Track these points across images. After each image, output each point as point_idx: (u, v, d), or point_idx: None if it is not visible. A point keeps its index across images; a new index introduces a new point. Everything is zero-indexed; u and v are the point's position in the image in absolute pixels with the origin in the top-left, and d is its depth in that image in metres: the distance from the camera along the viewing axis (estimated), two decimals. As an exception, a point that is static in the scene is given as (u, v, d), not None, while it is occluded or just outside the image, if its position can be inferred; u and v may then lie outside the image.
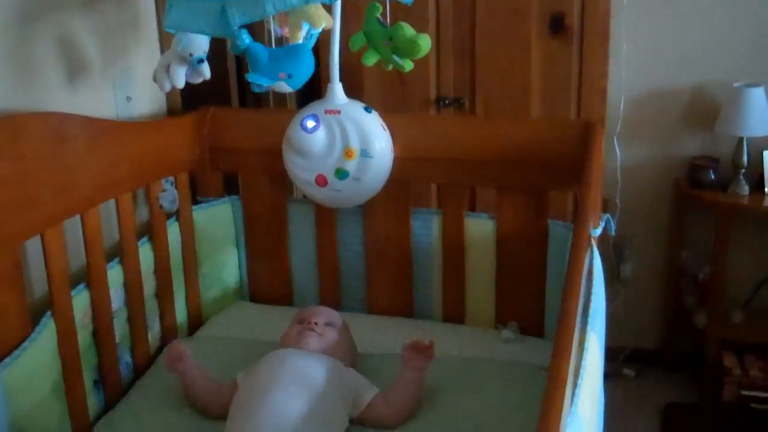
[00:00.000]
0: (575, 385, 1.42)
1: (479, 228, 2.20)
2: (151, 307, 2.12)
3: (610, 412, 3.07)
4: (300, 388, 1.75)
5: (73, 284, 1.84)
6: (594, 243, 1.95)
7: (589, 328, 1.60)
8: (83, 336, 1.84)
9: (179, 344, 1.91)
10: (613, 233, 2.13)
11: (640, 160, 3.10)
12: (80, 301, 1.83)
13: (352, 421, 1.82)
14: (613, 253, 3.22)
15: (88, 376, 1.87)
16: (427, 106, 2.88)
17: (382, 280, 2.29)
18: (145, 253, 2.08)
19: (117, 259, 1.98)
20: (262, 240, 2.36)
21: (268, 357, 1.85)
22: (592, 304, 1.69)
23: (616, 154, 3.03)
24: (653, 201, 3.17)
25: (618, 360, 3.34)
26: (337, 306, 2.33)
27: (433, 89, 2.87)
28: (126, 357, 2.02)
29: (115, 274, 1.96)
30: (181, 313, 2.24)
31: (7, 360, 1.57)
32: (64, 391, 1.77)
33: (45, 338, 1.69)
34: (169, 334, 2.19)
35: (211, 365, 2.05)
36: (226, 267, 2.37)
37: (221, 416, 1.81)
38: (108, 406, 1.94)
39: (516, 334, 2.15)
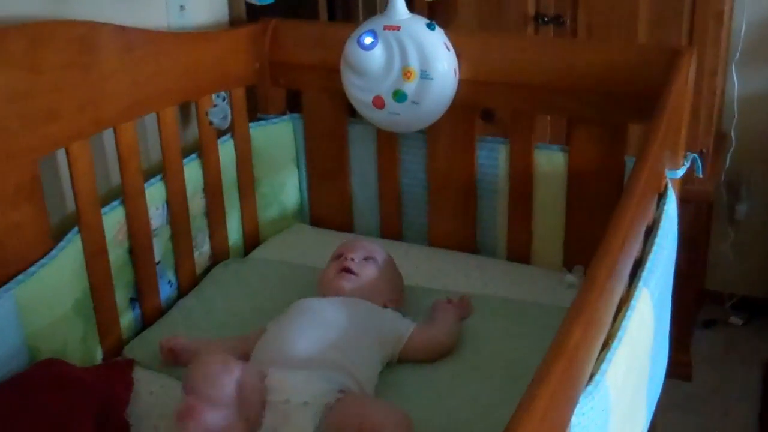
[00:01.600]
0: (606, 348, 1.26)
1: (549, 161, 2.00)
2: (200, 226, 2.06)
3: (711, 361, 2.87)
4: (324, 332, 1.65)
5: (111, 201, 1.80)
6: (671, 186, 1.74)
7: (641, 283, 1.42)
8: (117, 253, 1.80)
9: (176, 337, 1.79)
10: (700, 174, 1.89)
11: (762, 91, 2.77)
12: (113, 217, 1.78)
13: (399, 360, 1.73)
14: (726, 191, 2.94)
15: (122, 294, 1.84)
16: (525, 23, 2.66)
17: (444, 211, 2.14)
18: (194, 170, 2.01)
19: (159, 176, 1.92)
20: (323, 161, 2.25)
21: (293, 307, 1.76)
22: (651, 256, 1.50)
23: (733, 83, 2.72)
24: (773, 136, 2.85)
25: (724, 307, 3.09)
26: (397, 236, 2.21)
27: (532, 5, 2.64)
28: (169, 275, 1.98)
29: (156, 192, 1.90)
30: (235, 234, 2.18)
31: (20, 277, 1.54)
32: (93, 309, 1.74)
33: (67, 255, 1.65)
34: (220, 254, 2.13)
35: (260, 288, 2.00)
36: (286, 187, 2.28)
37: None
38: (146, 323, 1.91)
39: (580, 280, 1.97)
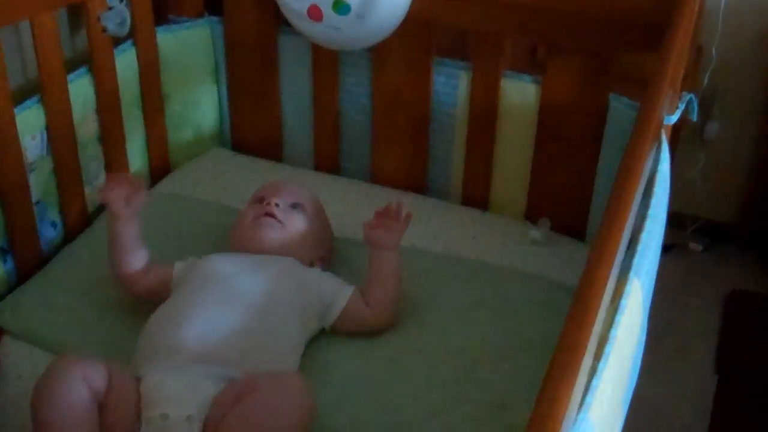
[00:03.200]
0: (600, 356, 0.97)
1: (518, 93, 1.66)
2: (92, 154, 1.69)
3: (667, 291, 2.63)
4: (229, 311, 1.33)
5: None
6: (664, 136, 1.42)
7: (632, 272, 1.12)
8: (-22, 195, 1.45)
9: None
10: (695, 118, 1.57)
11: (750, 3, 2.44)
12: (-30, 152, 1.42)
13: (328, 331, 1.43)
14: (699, 109, 2.63)
15: (-12, 244, 1.49)
16: None
17: (391, 144, 1.80)
18: (83, 87, 1.63)
19: (35, 98, 1.53)
20: (248, 75, 1.88)
21: (197, 270, 1.43)
22: (644, 235, 1.20)
23: (719, -6, 2.38)
24: (757, 52, 2.53)
25: (686, 231, 2.83)
26: (334, 169, 1.87)
27: None
28: (51, 216, 1.63)
29: (31, 117, 1.52)
30: (138, 161, 1.82)
31: None
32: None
33: None
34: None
35: (163, 234, 1.66)
36: (202, 105, 1.90)
37: (138, 295, 1.45)
38: (22, 279, 1.57)
39: (546, 236, 1.67)
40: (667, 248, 2.77)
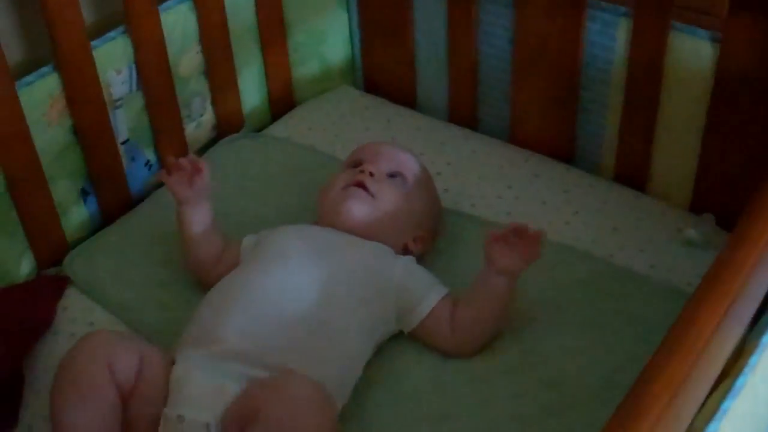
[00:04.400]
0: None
1: (692, 51, 1.30)
2: (196, 89, 1.53)
3: None
4: (295, 293, 1.14)
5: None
6: None
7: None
8: (51, 135, 1.33)
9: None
10: None
11: None
12: (41, 89, 1.29)
13: (406, 335, 1.21)
14: None
15: (65, 186, 1.38)
16: None
17: (533, 102, 1.50)
18: (181, 15, 1.46)
19: (120, 29, 1.39)
20: (381, 8, 1.62)
21: (272, 241, 1.24)
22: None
23: None
24: None
25: None
26: (470, 122, 1.60)
27: None
28: (146, 154, 1.50)
29: (114, 50, 1.38)
30: (253, 97, 1.64)
31: None
32: (12, 207, 1.30)
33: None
34: (229, 124, 1.61)
35: (264, 184, 1.50)
36: (329, 38, 1.68)
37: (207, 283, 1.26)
38: (107, 222, 1.46)
39: (704, 237, 1.32)
40: None
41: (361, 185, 1.25)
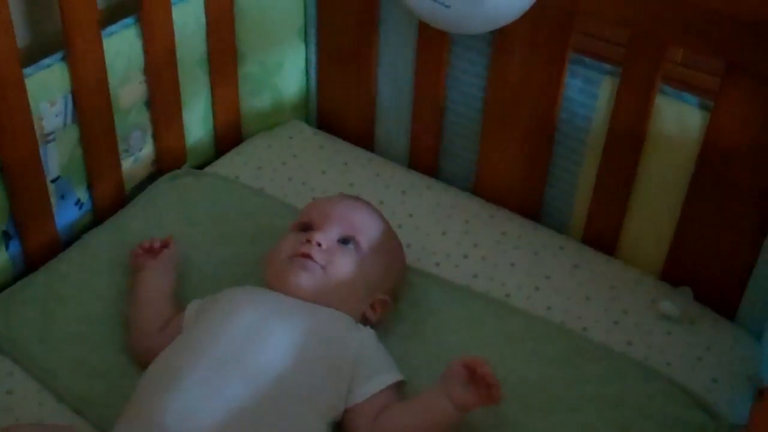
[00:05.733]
0: None
1: (678, 117, 1.23)
2: (136, 121, 1.39)
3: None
4: (240, 370, 1.02)
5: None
6: None
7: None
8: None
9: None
10: None
11: None
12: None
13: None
14: None
15: (-14, 227, 1.24)
16: None
17: (503, 153, 1.41)
18: (126, 41, 1.31)
19: (57, 56, 1.24)
20: (343, 38, 1.51)
21: (219, 306, 1.12)
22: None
23: None
24: None
25: None
26: (431, 170, 1.51)
27: None
28: (77, 193, 1.35)
29: (49, 79, 1.23)
30: (197, 130, 1.50)
31: None
32: None
33: None
34: (170, 159, 1.47)
35: (205, 230, 1.37)
36: (284, 68, 1.55)
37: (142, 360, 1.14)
38: (30, 267, 1.31)
39: (681, 312, 1.25)
40: None
41: (307, 258, 1.14)
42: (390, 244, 1.24)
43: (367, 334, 1.13)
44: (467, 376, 1.02)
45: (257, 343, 1.05)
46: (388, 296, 1.20)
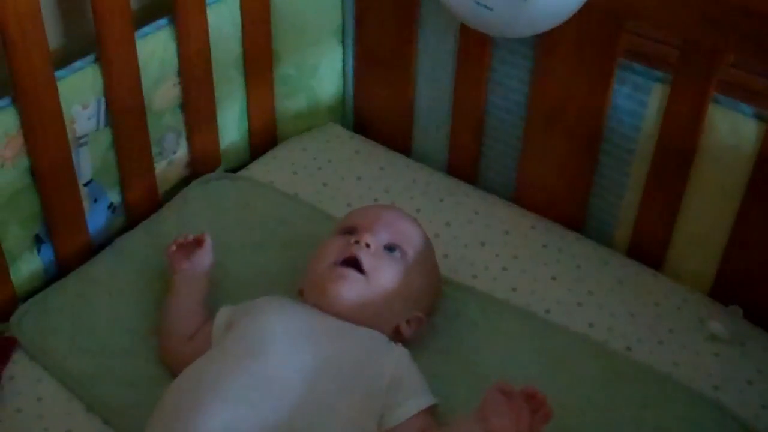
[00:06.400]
0: None
1: (732, 127, 1.17)
2: (170, 124, 1.37)
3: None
4: (270, 392, 0.98)
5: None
6: None
7: None
8: (8, 174, 1.16)
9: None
10: None
11: None
12: (-5, 124, 1.12)
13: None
14: None
15: (18, 232, 1.21)
16: None
17: (545, 162, 1.36)
18: (160, 43, 1.29)
19: (90, 58, 1.21)
20: (381, 41, 1.47)
21: (248, 323, 1.08)
22: None
23: None
24: None
25: None
26: (470, 177, 1.47)
27: None
28: (110, 196, 1.33)
29: (82, 82, 1.21)
30: (232, 133, 1.48)
31: None
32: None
33: None
34: (204, 162, 1.45)
35: (237, 237, 1.34)
36: (320, 70, 1.52)
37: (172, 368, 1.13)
38: (63, 271, 1.29)
39: (730, 333, 1.20)
40: None
41: (354, 260, 1.11)
42: (431, 258, 1.20)
43: (401, 353, 1.08)
44: (504, 403, 0.96)
45: (291, 367, 1.01)
46: (424, 313, 1.16)
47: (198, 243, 1.21)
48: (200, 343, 1.11)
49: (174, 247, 1.21)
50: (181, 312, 1.16)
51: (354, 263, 1.10)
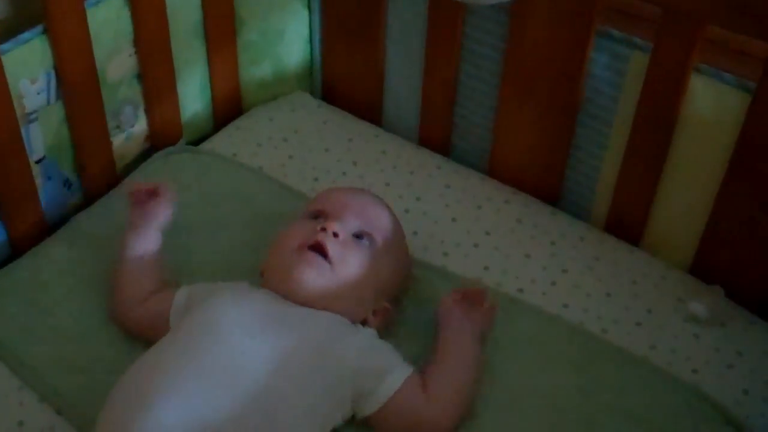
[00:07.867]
0: None
1: (714, 98, 1.12)
2: (128, 95, 1.30)
3: None
4: (230, 379, 0.94)
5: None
6: None
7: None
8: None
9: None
10: None
11: None
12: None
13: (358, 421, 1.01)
14: None
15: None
16: None
17: (520, 132, 1.31)
18: (112, 12, 1.22)
19: (37, 30, 1.14)
20: (348, 7, 1.40)
21: (208, 305, 1.03)
22: None
23: None
24: None
25: None
26: (442, 148, 1.41)
27: None
28: (64, 173, 1.27)
29: (29, 55, 1.14)
30: (194, 103, 1.41)
31: None
32: None
33: None
34: (164, 134, 1.38)
35: (199, 215, 1.28)
36: (286, 37, 1.45)
37: (131, 332, 1.11)
38: (16, 252, 1.23)
39: (711, 314, 1.15)
40: None
41: (320, 247, 1.05)
42: (402, 245, 1.15)
43: (367, 334, 1.04)
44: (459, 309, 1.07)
45: (249, 356, 0.96)
46: (391, 304, 1.11)
47: (154, 193, 1.14)
48: (153, 312, 1.08)
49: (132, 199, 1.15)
50: (134, 273, 1.11)
51: (320, 249, 1.05)
